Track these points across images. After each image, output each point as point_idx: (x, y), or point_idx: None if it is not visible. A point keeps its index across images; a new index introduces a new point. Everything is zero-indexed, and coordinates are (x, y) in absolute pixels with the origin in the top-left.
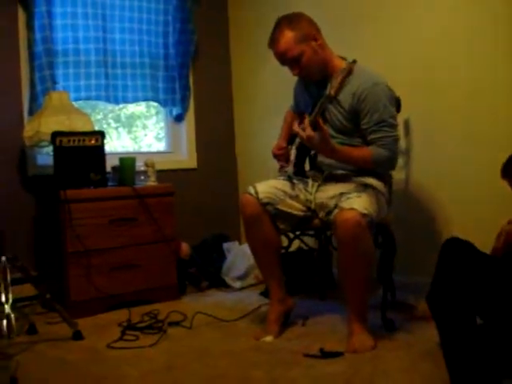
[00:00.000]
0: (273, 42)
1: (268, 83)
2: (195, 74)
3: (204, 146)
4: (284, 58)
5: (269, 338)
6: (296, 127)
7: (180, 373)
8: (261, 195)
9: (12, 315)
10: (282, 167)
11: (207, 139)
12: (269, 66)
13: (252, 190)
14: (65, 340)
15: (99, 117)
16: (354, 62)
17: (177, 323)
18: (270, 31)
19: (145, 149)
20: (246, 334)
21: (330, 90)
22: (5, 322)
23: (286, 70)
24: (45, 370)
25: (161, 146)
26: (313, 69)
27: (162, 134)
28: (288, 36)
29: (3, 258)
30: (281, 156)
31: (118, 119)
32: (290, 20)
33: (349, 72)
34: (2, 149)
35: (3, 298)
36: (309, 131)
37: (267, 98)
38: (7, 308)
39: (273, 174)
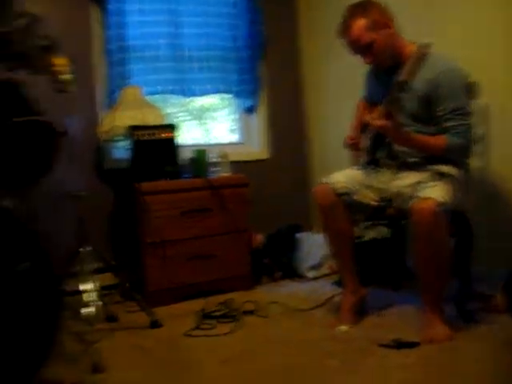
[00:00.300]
0: (344, 29)
1: (339, 72)
2: (266, 64)
3: (276, 136)
4: (356, 46)
5: (343, 328)
6: (368, 117)
7: (257, 361)
8: (337, 185)
9: (96, 303)
10: (355, 156)
11: (279, 130)
12: (340, 55)
13: (327, 180)
14: (143, 328)
15: (171, 110)
16: (428, 45)
17: (251, 312)
18: (341, 19)
19: (217, 140)
20: (320, 324)
21: (403, 77)
22: (88, 309)
23: (357, 58)
24: (125, 356)
25: (233, 138)
26: (385, 57)
27: (235, 125)
28: (360, 23)
29: (86, 249)
30: (354, 145)
31: (189, 112)
32: (362, 7)
33: (423, 58)
34: (79, 144)
35: (86, 287)
36: (381, 120)
37: (339, 87)
38: (92, 296)
39: (346, 164)
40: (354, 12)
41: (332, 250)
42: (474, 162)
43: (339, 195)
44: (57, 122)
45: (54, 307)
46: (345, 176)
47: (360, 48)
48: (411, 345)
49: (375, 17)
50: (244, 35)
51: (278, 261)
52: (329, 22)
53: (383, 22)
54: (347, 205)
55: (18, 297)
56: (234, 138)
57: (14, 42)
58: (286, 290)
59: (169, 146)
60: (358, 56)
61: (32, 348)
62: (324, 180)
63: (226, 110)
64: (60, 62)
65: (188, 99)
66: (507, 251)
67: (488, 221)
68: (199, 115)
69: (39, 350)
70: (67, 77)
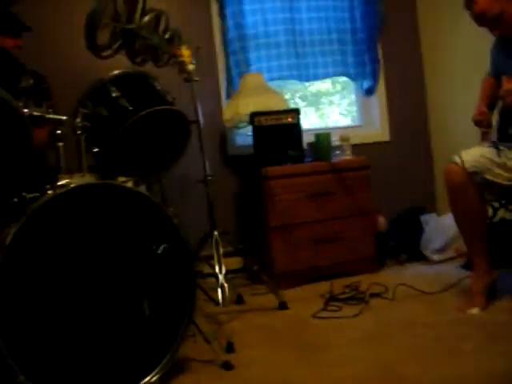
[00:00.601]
0: (470, 1)
1: (463, 49)
2: (384, 45)
3: (396, 117)
4: (483, 19)
5: (475, 311)
6: (502, 90)
7: (385, 343)
8: (467, 164)
9: (225, 285)
10: (484, 134)
11: (399, 111)
12: (464, 30)
13: (458, 159)
14: (271, 310)
15: (287, 96)
16: None
17: (378, 295)
18: None
19: (333, 124)
20: (449, 307)
21: None
22: (219, 291)
23: (481, 34)
24: (255, 337)
25: (347, 122)
26: None
27: (351, 108)
28: None
29: (215, 232)
30: (483, 122)
31: (305, 97)
32: None
33: None
34: (204, 132)
35: (217, 270)
36: None
37: (463, 64)
38: (221, 279)
39: (473, 143)
40: None
41: (462, 231)
42: None
43: (470, 174)
44: (186, 111)
45: (188, 288)
46: (475, 154)
47: (488, 20)
48: None
49: None
50: (361, 16)
51: (403, 243)
52: None
53: None
54: (478, 184)
55: (157, 278)
56: (350, 121)
57: (143, 38)
58: (412, 273)
59: (292, 131)
60: (485, 30)
61: (169, 327)
62: (454, 158)
63: (342, 94)
64: (185, 53)
65: (304, 84)
66: None
67: None
68: (315, 100)
69: (175, 330)
70: (192, 67)
